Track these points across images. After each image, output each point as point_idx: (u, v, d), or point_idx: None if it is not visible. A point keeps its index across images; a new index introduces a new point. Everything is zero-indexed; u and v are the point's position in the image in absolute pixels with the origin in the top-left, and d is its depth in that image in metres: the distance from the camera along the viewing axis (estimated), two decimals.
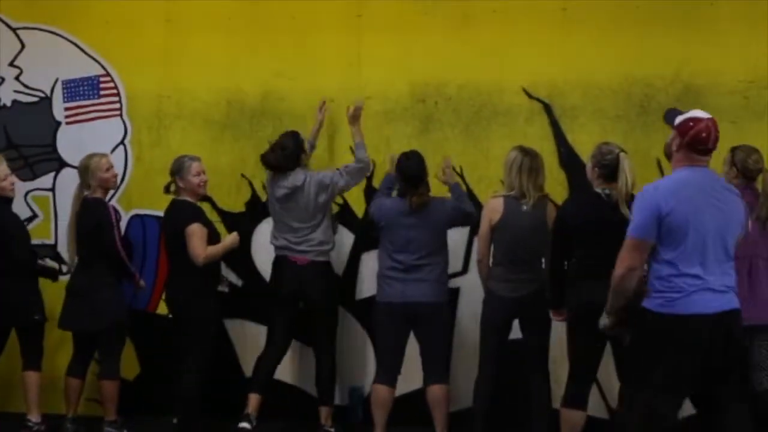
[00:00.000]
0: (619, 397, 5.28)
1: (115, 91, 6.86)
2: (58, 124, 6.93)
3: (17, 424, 6.27)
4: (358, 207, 6.57)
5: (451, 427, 5.96)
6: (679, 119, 4.50)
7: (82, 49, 6.88)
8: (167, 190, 6.26)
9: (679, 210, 4.33)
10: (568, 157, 6.36)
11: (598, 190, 5.31)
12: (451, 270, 6.13)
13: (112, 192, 6.51)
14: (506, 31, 6.44)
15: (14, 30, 6.96)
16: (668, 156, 4.61)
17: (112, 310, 6.14)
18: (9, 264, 6.13)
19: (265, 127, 6.64)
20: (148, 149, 6.82)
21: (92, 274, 6.15)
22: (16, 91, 6.95)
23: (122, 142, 6.84)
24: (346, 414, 6.54)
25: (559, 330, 5.65)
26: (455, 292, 6.37)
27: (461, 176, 6.39)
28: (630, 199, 5.02)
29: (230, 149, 6.72)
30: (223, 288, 6.31)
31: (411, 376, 6.19)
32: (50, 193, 6.92)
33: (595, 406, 5.96)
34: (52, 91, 6.92)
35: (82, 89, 6.88)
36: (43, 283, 6.36)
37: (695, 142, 4.40)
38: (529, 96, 6.41)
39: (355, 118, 6.30)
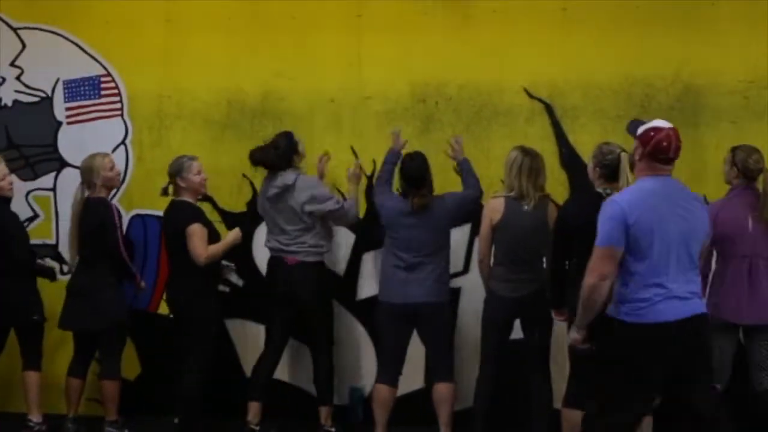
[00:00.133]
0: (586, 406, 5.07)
1: (116, 91, 6.86)
2: (59, 124, 6.92)
3: (18, 424, 6.28)
4: (359, 207, 6.57)
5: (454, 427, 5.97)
6: (640, 129, 4.52)
7: (82, 49, 6.88)
8: (165, 192, 6.26)
9: (644, 219, 4.37)
10: (569, 158, 6.36)
11: (600, 190, 5.30)
12: (452, 270, 6.13)
13: (113, 192, 6.51)
14: (506, 31, 6.44)
15: (15, 30, 6.95)
16: (632, 166, 4.67)
17: (113, 310, 6.14)
18: (8, 264, 6.13)
19: (265, 127, 6.63)
20: (149, 149, 6.82)
21: (94, 274, 6.15)
22: (17, 91, 6.94)
23: (123, 142, 6.83)
24: (347, 414, 6.53)
25: (558, 330, 5.66)
26: (457, 292, 6.37)
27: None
28: None
29: (231, 149, 6.71)
30: (229, 273, 6.41)
31: (412, 376, 6.20)
32: (51, 193, 6.91)
33: None
34: (53, 91, 6.92)
35: (83, 89, 6.88)
36: (43, 283, 6.36)
37: (656, 152, 4.43)
38: (531, 96, 6.42)
39: (356, 177, 6.34)
